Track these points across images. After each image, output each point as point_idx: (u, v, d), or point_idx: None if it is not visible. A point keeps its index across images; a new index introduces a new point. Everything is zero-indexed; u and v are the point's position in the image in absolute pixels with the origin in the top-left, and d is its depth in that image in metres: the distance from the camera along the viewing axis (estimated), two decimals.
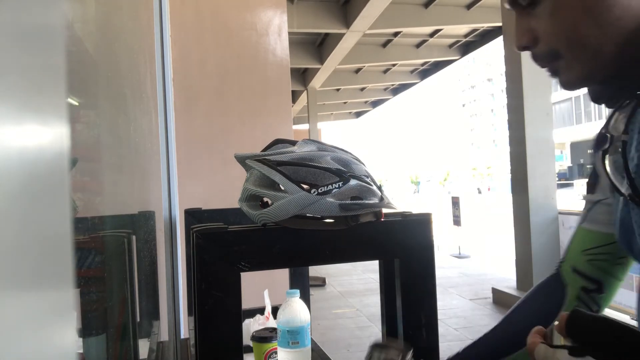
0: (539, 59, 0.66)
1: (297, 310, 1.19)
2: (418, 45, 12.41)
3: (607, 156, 0.69)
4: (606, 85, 0.65)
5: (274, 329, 1.28)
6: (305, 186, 0.66)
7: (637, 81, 0.62)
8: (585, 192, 0.85)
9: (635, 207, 0.64)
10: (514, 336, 0.82)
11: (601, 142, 0.70)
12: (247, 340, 1.24)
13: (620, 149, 0.65)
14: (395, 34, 11.21)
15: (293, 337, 1.16)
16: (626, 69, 0.61)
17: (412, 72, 15.79)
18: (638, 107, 0.63)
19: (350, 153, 0.73)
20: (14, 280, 0.16)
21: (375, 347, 0.69)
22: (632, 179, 0.62)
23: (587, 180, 0.83)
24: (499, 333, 0.87)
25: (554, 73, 0.66)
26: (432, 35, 11.50)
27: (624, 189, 0.65)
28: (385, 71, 15.21)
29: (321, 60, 11.78)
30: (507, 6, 0.68)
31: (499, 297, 5.72)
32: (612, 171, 0.68)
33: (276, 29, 3.27)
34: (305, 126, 16.76)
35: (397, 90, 18.47)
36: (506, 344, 0.84)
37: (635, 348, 0.51)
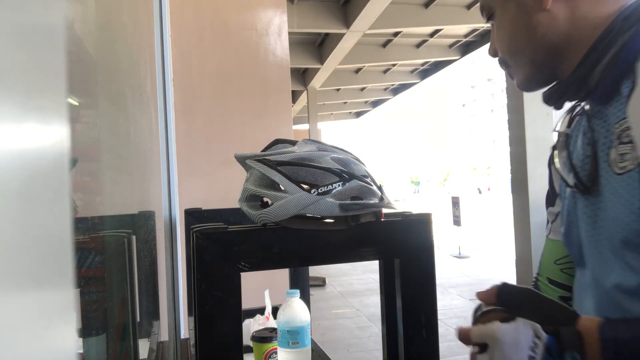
0: (499, 64, 0.81)
1: (297, 311, 1.19)
2: (418, 45, 12.40)
3: (555, 152, 0.80)
4: (552, 90, 0.76)
5: (274, 329, 1.28)
6: (305, 186, 0.66)
7: (577, 86, 0.71)
8: (545, 206, 0.90)
9: (580, 197, 0.73)
10: None
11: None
12: (247, 340, 1.24)
13: (565, 143, 0.77)
14: (395, 34, 11.21)
15: (293, 337, 1.16)
16: (571, 78, 0.72)
17: (412, 72, 15.78)
18: (578, 106, 0.76)
19: (350, 153, 0.73)
20: (14, 280, 0.16)
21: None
22: (576, 169, 0.72)
23: (545, 194, 0.91)
24: None
25: (511, 77, 0.81)
26: (432, 35, 11.49)
27: (570, 180, 0.74)
28: (385, 71, 15.20)
29: (321, 60, 11.77)
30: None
31: None
32: (560, 166, 0.78)
33: (276, 29, 3.27)
34: (305, 126, 16.76)
35: (397, 90, 18.46)
36: None
37: (550, 315, 0.61)
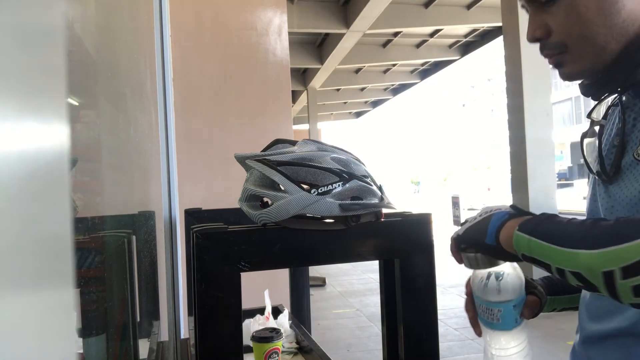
0: (546, 49, 0.74)
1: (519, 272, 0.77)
2: (418, 45, 12.41)
3: (585, 139, 0.80)
4: (596, 81, 0.73)
5: (274, 329, 1.28)
6: (305, 186, 0.66)
7: (621, 78, 0.70)
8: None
9: (601, 185, 0.74)
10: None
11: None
12: (247, 340, 1.24)
13: (597, 132, 0.77)
14: (395, 34, 11.21)
15: (518, 309, 0.75)
16: (616, 69, 0.69)
17: (412, 72, 15.79)
18: (619, 99, 0.73)
19: (350, 153, 0.73)
20: (14, 280, 0.16)
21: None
22: (602, 157, 0.73)
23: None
24: None
25: (557, 65, 0.74)
26: (432, 35, 11.49)
27: (594, 167, 0.75)
28: (385, 71, 15.20)
29: (321, 60, 11.78)
30: (521, 3, 0.76)
31: None
32: (587, 152, 0.79)
33: (276, 29, 3.27)
34: (305, 126, 16.76)
35: (397, 90, 18.46)
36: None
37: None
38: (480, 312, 0.75)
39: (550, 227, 0.61)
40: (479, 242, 0.68)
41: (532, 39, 0.75)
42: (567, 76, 0.74)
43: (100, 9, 1.02)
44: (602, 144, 0.76)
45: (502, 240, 0.65)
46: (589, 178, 0.84)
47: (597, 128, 0.78)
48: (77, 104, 0.69)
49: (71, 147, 0.20)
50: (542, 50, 0.75)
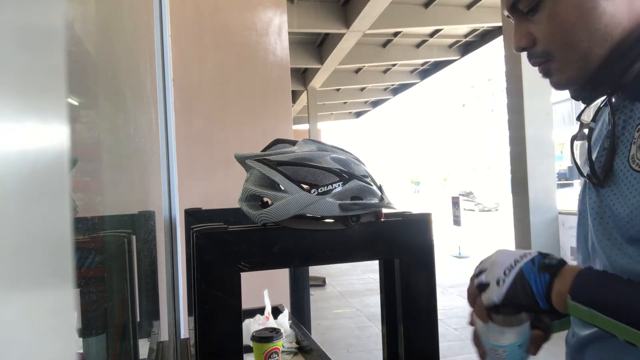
0: (533, 57, 0.75)
1: None
2: (418, 45, 12.40)
3: (575, 142, 0.80)
4: (585, 85, 0.73)
5: (274, 329, 1.28)
6: (305, 186, 0.66)
7: (610, 81, 0.70)
8: None
9: (592, 187, 0.74)
10: None
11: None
12: (247, 340, 1.24)
13: (587, 135, 0.78)
14: (395, 34, 11.21)
15: (524, 348, 0.73)
16: (605, 72, 0.70)
17: (412, 72, 15.78)
18: (607, 101, 0.73)
19: (350, 153, 0.73)
20: (14, 280, 0.16)
21: None
22: (592, 161, 0.73)
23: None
24: None
25: (546, 74, 0.76)
26: (432, 35, 11.49)
27: (585, 170, 0.75)
28: (385, 71, 15.20)
29: (321, 60, 11.77)
30: (506, 13, 0.77)
31: None
32: (578, 155, 0.79)
33: (276, 29, 3.27)
34: (305, 126, 16.76)
35: (397, 90, 18.46)
36: None
37: None
38: (487, 350, 0.72)
39: (611, 299, 0.60)
40: (534, 308, 0.66)
41: (518, 48, 0.76)
42: (556, 85, 0.75)
43: (100, 9, 1.02)
44: (591, 147, 0.76)
45: (557, 305, 0.64)
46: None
47: (586, 131, 0.78)
48: (77, 104, 0.69)
49: (71, 147, 0.20)
50: (529, 59, 0.76)
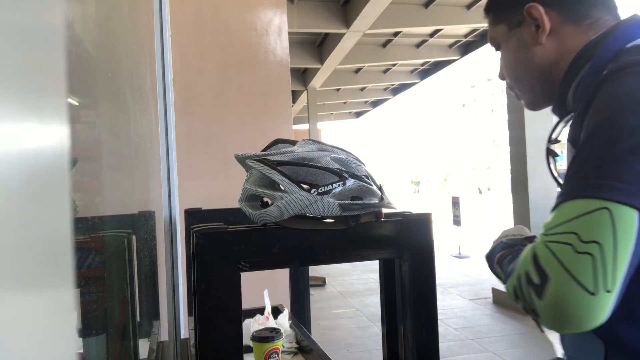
0: (507, 86, 0.94)
1: None
2: (418, 45, 12.40)
3: (549, 157, 0.92)
4: (552, 107, 0.89)
5: (274, 329, 1.28)
6: (305, 186, 0.66)
7: (558, 103, 0.85)
8: None
9: None
10: None
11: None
12: (247, 340, 1.24)
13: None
14: (395, 34, 11.20)
15: None
16: (556, 98, 0.85)
17: (412, 72, 15.77)
18: (564, 121, 0.87)
19: (350, 153, 0.73)
20: (14, 280, 0.16)
21: None
22: (553, 175, 0.88)
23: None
24: None
25: (518, 98, 0.94)
26: (432, 35, 11.49)
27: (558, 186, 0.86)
28: (385, 71, 15.19)
29: (321, 60, 11.77)
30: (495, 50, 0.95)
31: (498, 297, 5.72)
32: (553, 169, 0.91)
33: (276, 29, 3.27)
34: (305, 126, 16.75)
35: (397, 90, 18.45)
36: None
37: None
38: None
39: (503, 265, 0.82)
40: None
41: (500, 78, 0.96)
42: (527, 106, 0.93)
43: (100, 8, 1.02)
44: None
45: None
46: None
47: (556, 146, 0.91)
48: (77, 104, 0.69)
49: (71, 147, 0.20)
50: (508, 89, 0.95)
